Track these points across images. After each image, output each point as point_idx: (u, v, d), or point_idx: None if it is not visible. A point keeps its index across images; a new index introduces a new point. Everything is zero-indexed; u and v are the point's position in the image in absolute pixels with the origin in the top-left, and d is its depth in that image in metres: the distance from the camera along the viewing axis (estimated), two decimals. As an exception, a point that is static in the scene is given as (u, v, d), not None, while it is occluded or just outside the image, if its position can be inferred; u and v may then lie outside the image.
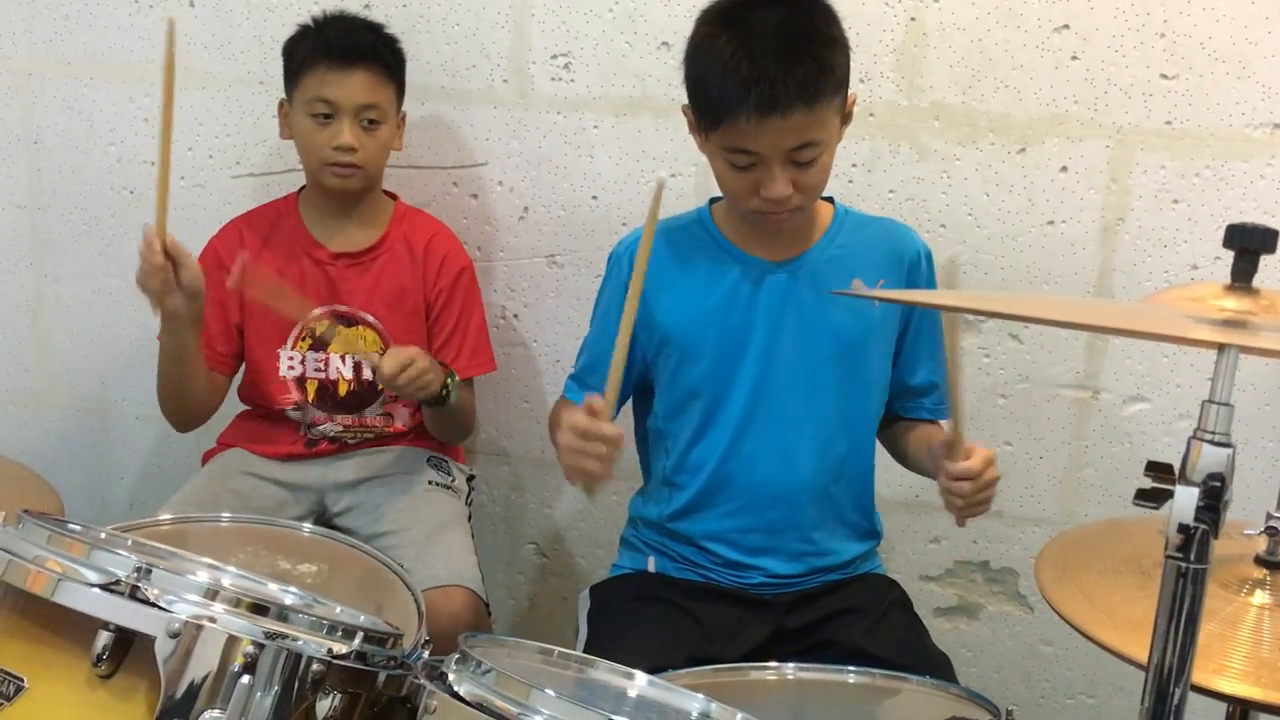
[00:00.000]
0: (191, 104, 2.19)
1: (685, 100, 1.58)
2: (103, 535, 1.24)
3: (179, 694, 1.06)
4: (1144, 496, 0.86)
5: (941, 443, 1.51)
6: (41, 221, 2.31)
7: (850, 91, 1.56)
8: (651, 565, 1.73)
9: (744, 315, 1.64)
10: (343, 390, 1.98)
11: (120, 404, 2.36)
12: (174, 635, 1.06)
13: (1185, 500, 0.83)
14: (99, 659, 1.06)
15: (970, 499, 1.49)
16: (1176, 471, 0.85)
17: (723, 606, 1.66)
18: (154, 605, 1.08)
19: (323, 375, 1.98)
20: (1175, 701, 0.94)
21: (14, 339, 2.37)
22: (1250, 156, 1.86)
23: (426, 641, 1.37)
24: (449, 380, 1.88)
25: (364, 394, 1.99)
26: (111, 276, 2.30)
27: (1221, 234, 0.97)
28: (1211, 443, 0.84)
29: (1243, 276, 0.86)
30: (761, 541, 1.67)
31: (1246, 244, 0.85)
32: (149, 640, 1.07)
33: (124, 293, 2.29)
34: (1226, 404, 0.84)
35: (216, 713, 1.06)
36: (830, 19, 1.54)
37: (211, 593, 1.11)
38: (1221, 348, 0.77)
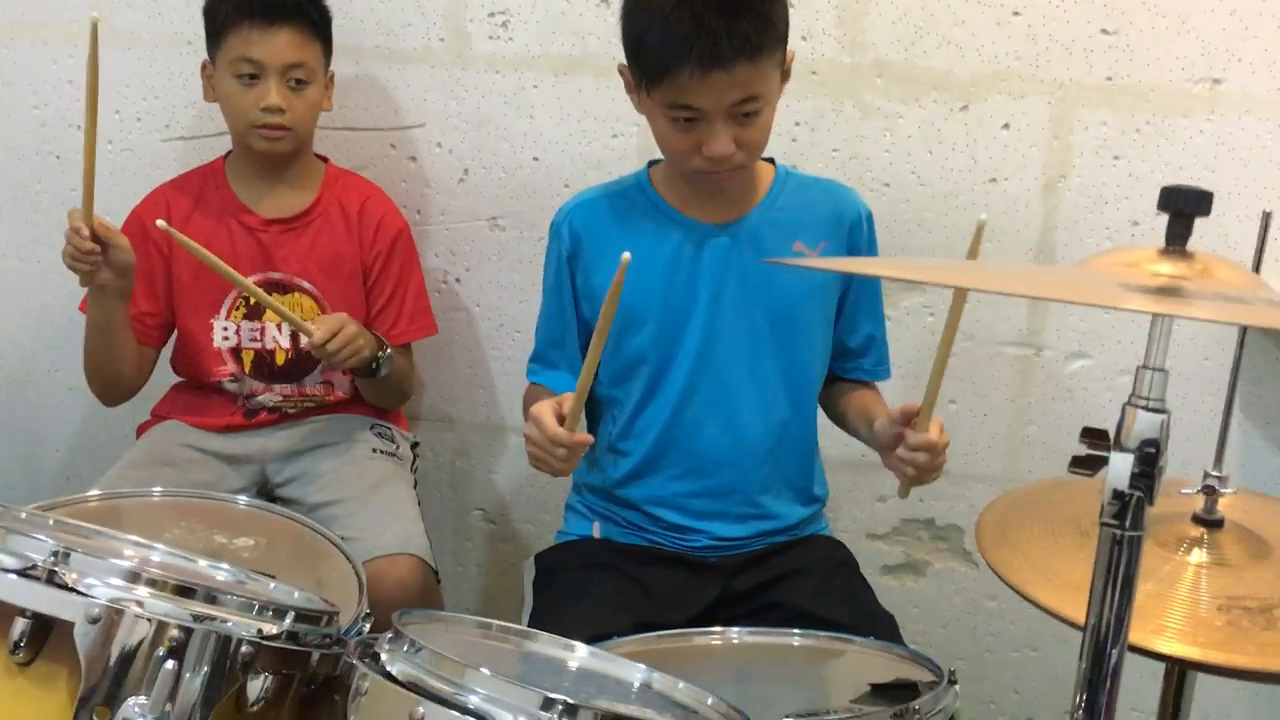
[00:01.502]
0: (118, 65, 2.12)
1: (624, 60, 1.55)
2: (22, 515, 1.19)
3: (101, 680, 1.03)
4: (1079, 464, 0.85)
5: (897, 414, 1.50)
6: (-36, 189, 2.24)
7: (789, 48, 1.53)
8: (597, 531, 1.72)
9: (687, 280, 1.62)
10: (280, 359, 1.94)
11: (52, 374, 2.30)
12: (94, 620, 1.03)
13: (1120, 467, 0.83)
14: (16, 646, 1.03)
15: (924, 468, 1.48)
16: (1111, 438, 0.84)
17: (669, 571, 1.65)
18: (72, 590, 1.05)
19: (259, 345, 1.93)
20: (1112, 664, 0.94)
21: (-61, 310, 2.31)
22: (1190, 112, 1.86)
23: (367, 615, 1.36)
24: (380, 353, 1.85)
25: (303, 362, 1.94)
26: (39, 244, 2.23)
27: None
28: (1146, 409, 0.84)
29: (1177, 240, 0.85)
30: (707, 505, 1.67)
31: (1181, 207, 0.84)
32: (69, 626, 1.04)
33: (53, 260, 2.18)
34: (1161, 369, 0.84)
35: (141, 699, 1.03)
36: None
37: (134, 575, 1.08)
38: (1155, 317, 0.77)
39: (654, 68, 1.48)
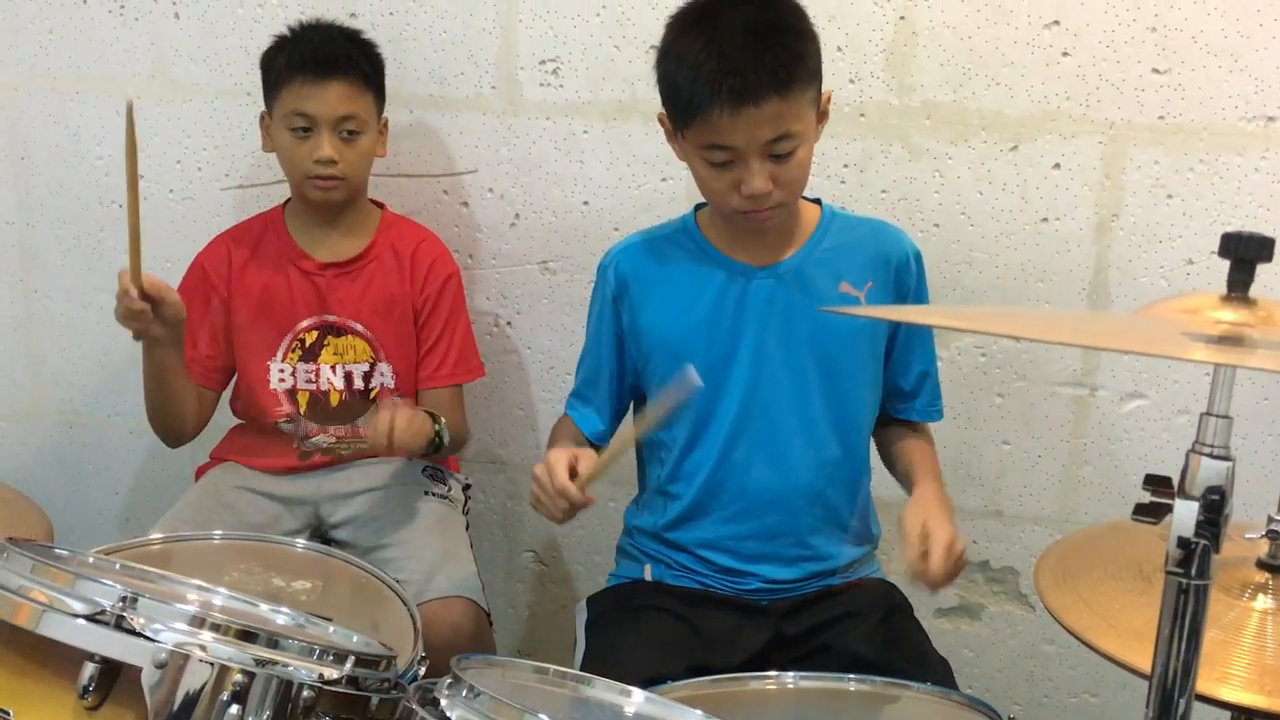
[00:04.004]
0: (179, 116, 2.18)
1: (662, 107, 1.57)
2: (90, 560, 1.22)
3: (167, 724, 1.05)
4: (1143, 511, 0.84)
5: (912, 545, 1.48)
6: (30, 237, 2.30)
7: (825, 89, 1.55)
8: (648, 573, 1.72)
9: (732, 322, 1.63)
10: (334, 400, 1.97)
11: (112, 419, 2.34)
12: (160, 665, 1.05)
13: (1185, 515, 0.82)
14: (85, 691, 1.05)
15: (945, 583, 1.46)
16: (1175, 485, 0.83)
17: (720, 614, 1.64)
18: (140, 635, 1.06)
19: (313, 386, 1.96)
20: (1179, 714, 0.92)
21: (4, 355, 2.36)
22: (1244, 150, 1.85)
23: (423, 658, 1.36)
24: (437, 428, 1.86)
25: (355, 404, 1.97)
26: (101, 291, 2.28)
27: (1216, 228, 0.95)
28: (1211, 456, 0.83)
29: (1239, 286, 0.84)
30: (758, 548, 1.66)
31: (1243, 253, 0.83)
32: (136, 671, 1.05)
33: (113, 307, 2.27)
34: (1225, 416, 0.83)
35: (206, 742, 1.04)
36: (798, 13, 1.54)
37: (199, 620, 1.09)
38: (1218, 367, 0.76)
39: (685, 109, 1.50)
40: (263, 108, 1.92)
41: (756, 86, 1.45)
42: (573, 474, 1.47)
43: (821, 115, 1.56)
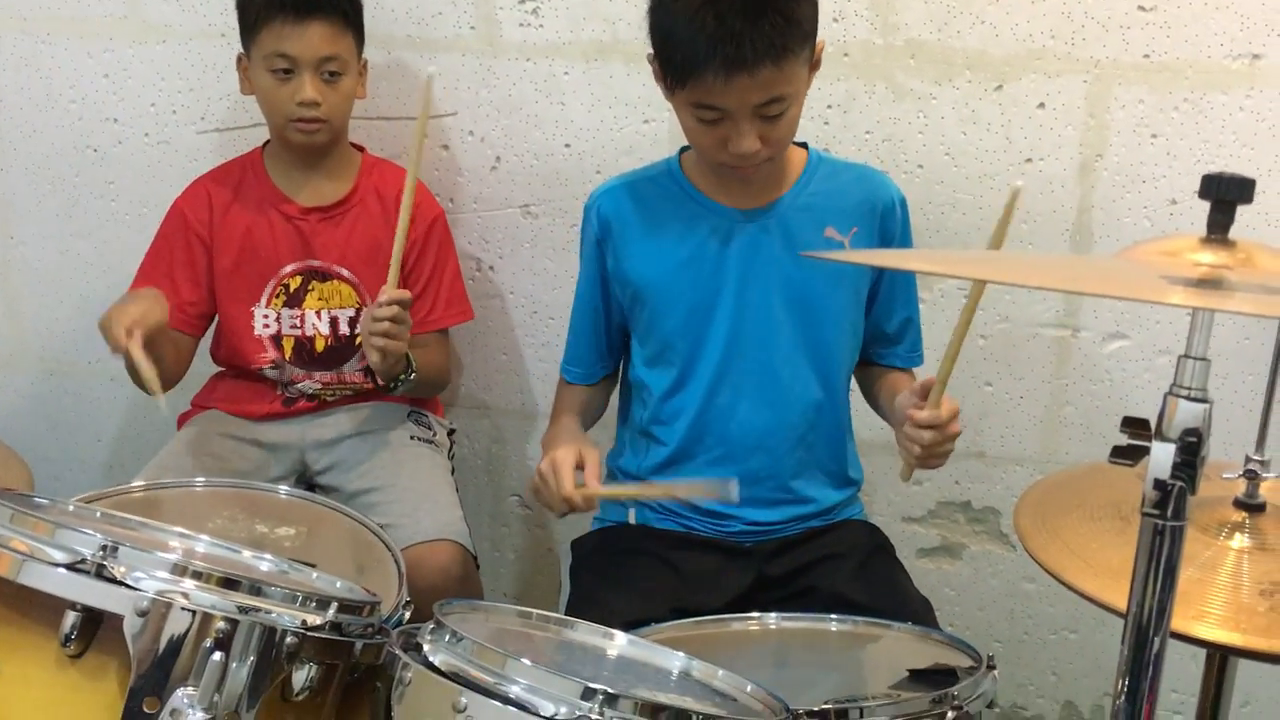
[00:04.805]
0: (153, 58, 2.14)
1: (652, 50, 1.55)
2: (70, 509, 1.22)
3: (150, 672, 1.05)
4: (1120, 454, 0.85)
5: (916, 388, 1.50)
6: (4, 183, 2.26)
7: (818, 39, 1.53)
8: (631, 517, 1.73)
9: (715, 266, 1.62)
10: (320, 346, 1.96)
11: (92, 365, 2.33)
12: (142, 613, 1.05)
13: (1161, 457, 0.82)
14: (67, 639, 1.05)
15: (929, 449, 1.47)
16: (1153, 427, 0.84)
17: (704, 556, 1.66)
18: (121, 584, 1.06)
19: (299, 332, 1.95)
20: (1154, 651, 0.93)
21: (-19, 303, 2.34)
22: (1229, 88, 1.83)
23: (408, 602, 1.37)
24: (402, 375, 1.83)
25: (342, 349, 1.96)
26: (78, 237, 2.26)
27: (1200, 168, 0.94)
28: (1188, 398, 0.83)
29: (1219, 228, 0.84)
30: (741, 491, 1.67)
31: (1223, 194, 0.83)
32: (118, 619, 1.06)
33: (91, 253, 2.26)
34: (1203, 359, 0.83)
35: (190, 689, 1.05)
36: None
37: (180, 568, 1.09)
38: (1196, 310, 0.76)
39: (678, 69, 1.48)
40: (239, 49, 1.89)
41: (752, 55, 1.42)
42: (579, 465, 1.50)
43: (814, 65, 1.55)
